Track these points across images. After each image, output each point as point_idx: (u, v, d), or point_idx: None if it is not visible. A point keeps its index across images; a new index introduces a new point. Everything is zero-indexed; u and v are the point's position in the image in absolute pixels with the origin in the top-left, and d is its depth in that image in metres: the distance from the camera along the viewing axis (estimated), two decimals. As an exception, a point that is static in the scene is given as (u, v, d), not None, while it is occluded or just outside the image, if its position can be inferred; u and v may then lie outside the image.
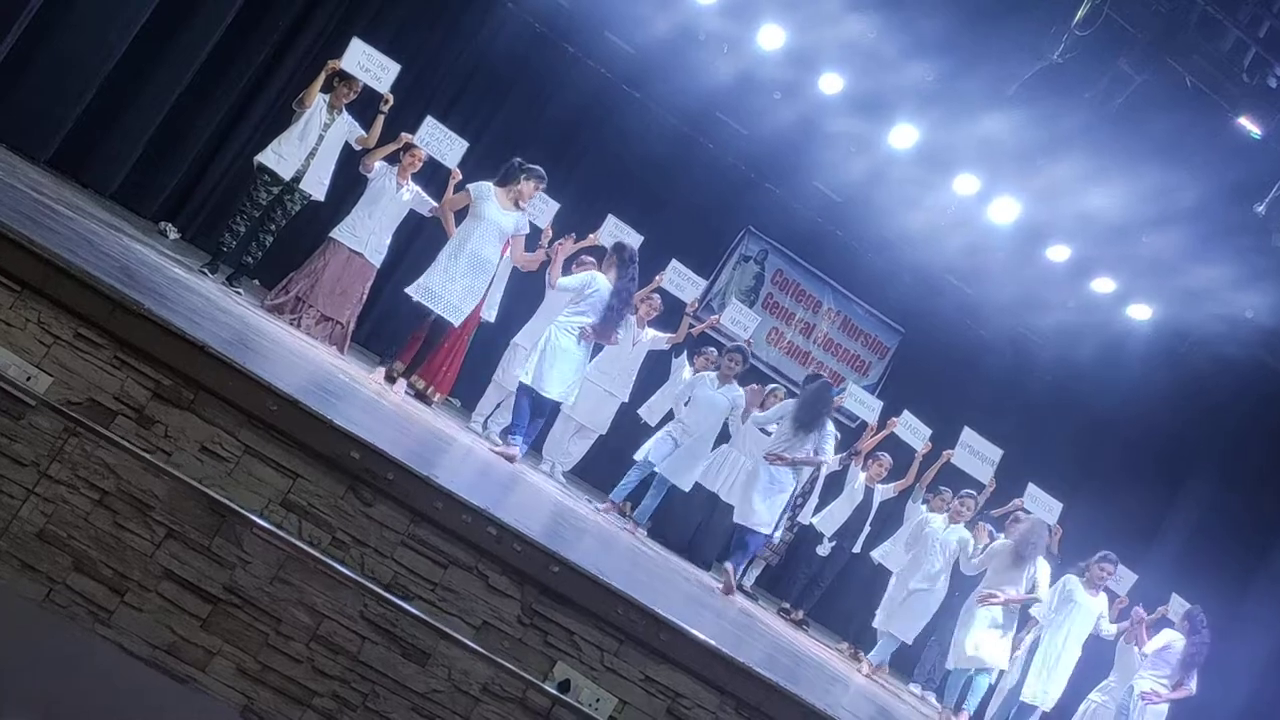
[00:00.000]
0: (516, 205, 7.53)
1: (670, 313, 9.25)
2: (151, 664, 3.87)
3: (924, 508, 8.83)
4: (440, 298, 7.43)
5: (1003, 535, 8.90)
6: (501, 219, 7.47)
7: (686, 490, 8.57)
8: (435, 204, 8.28)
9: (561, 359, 7.40)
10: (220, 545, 3.95)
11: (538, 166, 7.65)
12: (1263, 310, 9.84)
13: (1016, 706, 8.45)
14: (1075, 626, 8.39)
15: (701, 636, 4.42)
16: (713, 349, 9.55)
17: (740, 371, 8.67)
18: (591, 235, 8.74)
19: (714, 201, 11.50)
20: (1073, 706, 9.19)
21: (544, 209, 8.62)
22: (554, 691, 4.08)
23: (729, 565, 8.01)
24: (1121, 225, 9.94)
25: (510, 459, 7.31)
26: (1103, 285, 10.97)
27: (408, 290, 7.55)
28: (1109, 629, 8.53)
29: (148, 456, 3.87)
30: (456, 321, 7.66)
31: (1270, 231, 8.33)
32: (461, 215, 7.71)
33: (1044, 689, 8.33)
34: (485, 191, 7.47)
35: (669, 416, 9.24)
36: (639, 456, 8.83)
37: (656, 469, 8.65)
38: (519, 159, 7.71)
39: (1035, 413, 11.81)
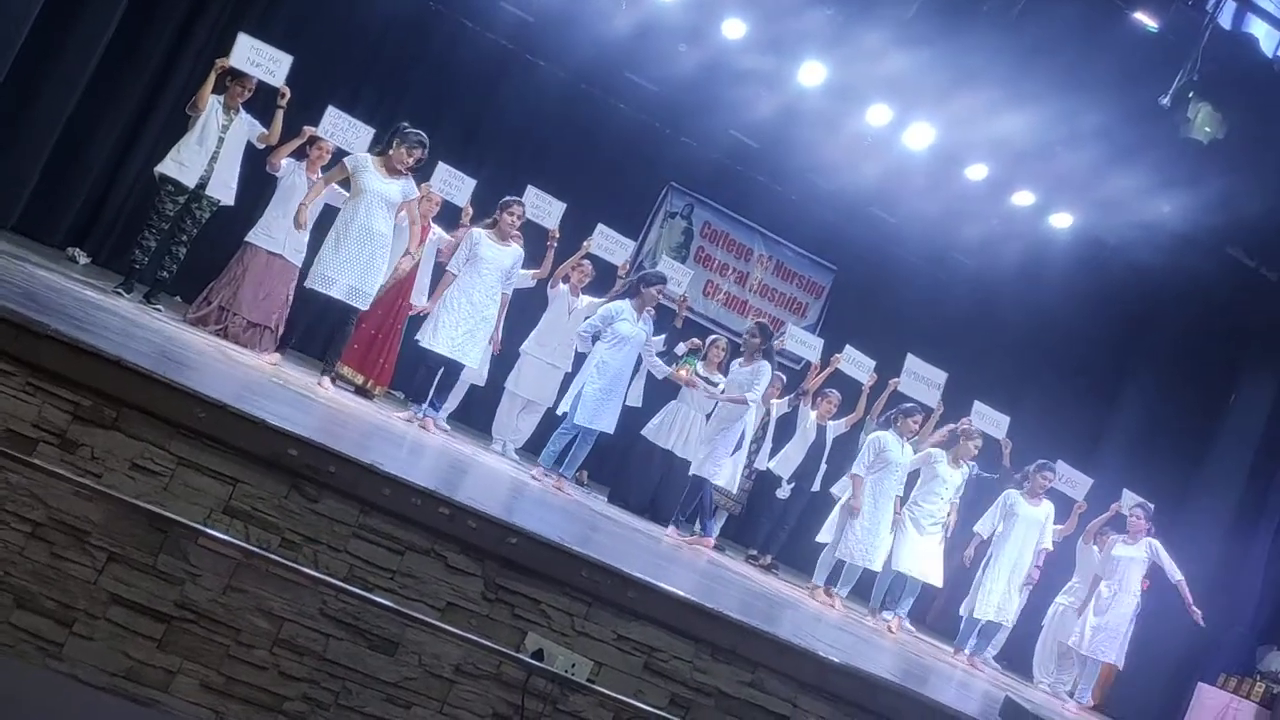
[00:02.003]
0: (398, 172, 7.15)
1: (603, 277, 9.20)
2: (111, 691, 3.76)
3: (885, 433, 8.54)
4: (336, 281, 7.06)
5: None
6: (384, 188, 7.11)
7: (611, 433, 7.99)
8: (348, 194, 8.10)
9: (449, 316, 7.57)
10: (166, 562, 3.84)
11: (416, 130, 7.23)
12: (1177, 210, 10.02)
13: (980, 625, 8.58)
14: (1022, 539, 8.52)
15: (669, 588, 4.41)
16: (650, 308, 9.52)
17: (659, 300, 8.14)
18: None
19: (633, 161, 11.41)
20: (1040, 612, 9.41)
21: (460, 185, 8.48)
22: (529, 660, 4.04)
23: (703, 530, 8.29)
24: (1036, 139, 10.03)
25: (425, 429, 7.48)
26: (1023, 198, 11.09)
27: (306, 284, 7.21)
28: (1048, 541, 8.61)
29: (79, 479, 3.73)
30: (364, 306, 7.27)
31: (1177, 124, 8.46)
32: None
33: (996, 604, 8.45)
34: (362, 162, 7.13)
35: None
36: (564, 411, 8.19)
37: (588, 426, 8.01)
38: (404, 124, 7.32)
39: (971, 331, 11.96)
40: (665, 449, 9.13)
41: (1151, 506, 8.78)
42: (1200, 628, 8.63)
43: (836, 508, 8.85)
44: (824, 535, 8.94)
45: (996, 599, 8.42)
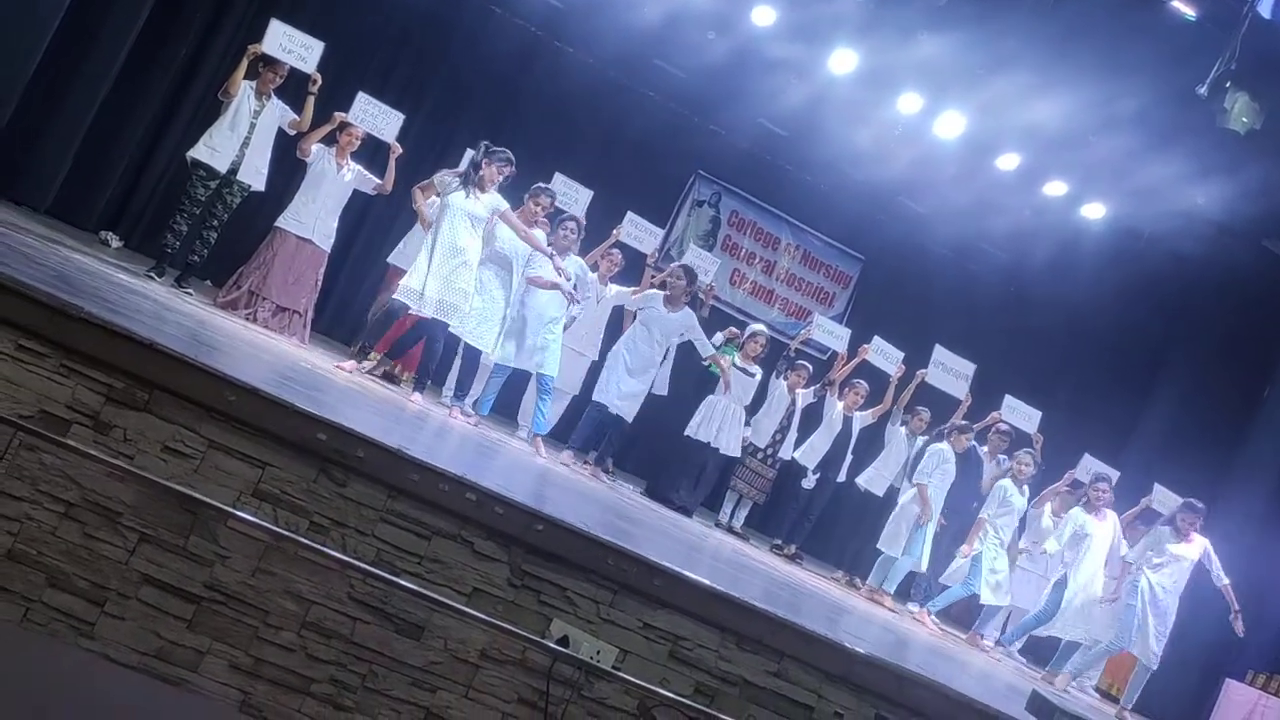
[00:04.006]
0: (483, 190, 7.20)
1: (631, 265, 9.18)
2: (141, 671, 3.80)
3: (944, 445, 8.82)
4: (423, 296, 7.07)
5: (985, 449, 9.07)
6: (470, 205, 7.15)
7: (535, 369, 7.86)
8: (379, 181, 8.13)
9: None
10: (196, 544, 3.87)
11: (502, 149, 7.30)
12: (1214, 200, 9.88)
13: (1063, 642, 8.58)
14: (1093, 558, 8.45)
15: (696, 577, 4.40)
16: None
17: (576, 240, 7.98)
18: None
19: (661, 149, 11.37)
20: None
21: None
22: (555, 646, 4.05)
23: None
24: (1069, 127, 9.91)
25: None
26: (1055, 189, 10.98)
27: (399, 296, 7.18)
28: (1126, 550, 8.44)
29: (111, 461, 3.76)
30: (451, 320, 7.23)
31: (1214, 113, 8.33)
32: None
33: (1079, 627, 8.43)
34: (449, 182, 7.18)
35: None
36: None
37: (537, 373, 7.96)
38: (485, 143, 7.37)
39: (1001, 323, 11.87)
40: (703, 442, 8.90)
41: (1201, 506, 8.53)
42: (1229, 623, 8.52)
43: (902, 522, 8.88)
44: (889, 547, 8.92)
45: (1084, 622, 8.44)
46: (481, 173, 7.17)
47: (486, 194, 7.22)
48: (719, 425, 8.97)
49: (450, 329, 7.51)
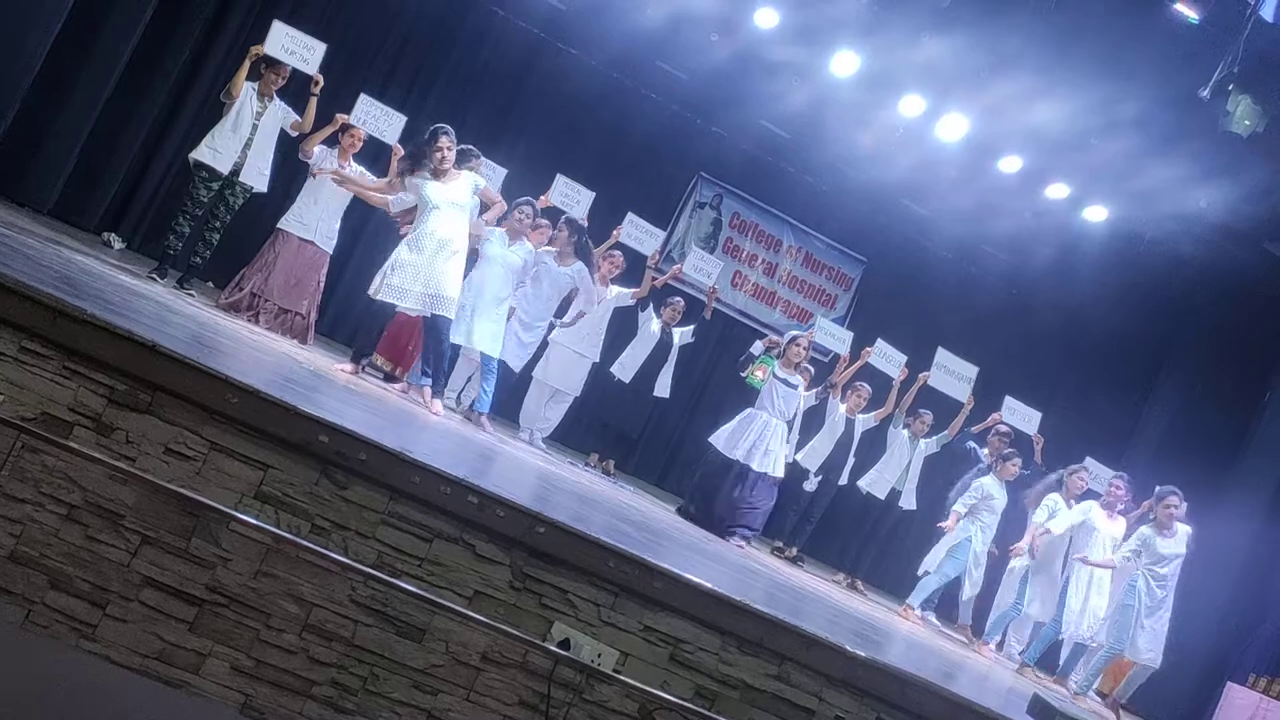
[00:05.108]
0: (448, 172, 7.13)
1: (632, 267, 9.18)
2: (143, 673, 3.80)
3: (989, 479, 8.88)
4: (412, 292, 7.01)
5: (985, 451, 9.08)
6: (449, 193, 7.11)
7: (475, 347, 7.73)
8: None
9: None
10: (198, 546, 3.88)
11: (435, 126, 7.19)
12: (1216, 202, 9.88)
13: (1067, 645, 8.55)
14: (1096, 556, 8.38)
15: (696, 580, 4.40)
16: (679, 299, 9.49)
17: (530, 225, 7.97)
18: (543, 196, 8.62)
19: (663, 151, 11.38)
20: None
21: (491, 176, 8.48)
22: (556, 649, 4.05)
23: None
24: (1071, 129, 9.92)
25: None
26: (1057, 191, 10.98)
27: (380, 296, 7.09)
28: (1116, 558, 8.29)
29: (113, 463, 3.77)
30: (448, 313, 7.16)
31: (1216, 116, 8.33)
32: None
33: (1085, 623, 8.36)
34: (419, 182, 7.11)
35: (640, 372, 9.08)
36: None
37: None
38: (434, 127, 7.27)
39: (1003, 325, 11.87)
40: (740, 462, 8.55)
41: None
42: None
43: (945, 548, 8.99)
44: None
45: (1090, 619, 8.36)
46: (427, 159, 7.07)
47: (453, 175, 7.14)
48: (760, 443, 8.59)
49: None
